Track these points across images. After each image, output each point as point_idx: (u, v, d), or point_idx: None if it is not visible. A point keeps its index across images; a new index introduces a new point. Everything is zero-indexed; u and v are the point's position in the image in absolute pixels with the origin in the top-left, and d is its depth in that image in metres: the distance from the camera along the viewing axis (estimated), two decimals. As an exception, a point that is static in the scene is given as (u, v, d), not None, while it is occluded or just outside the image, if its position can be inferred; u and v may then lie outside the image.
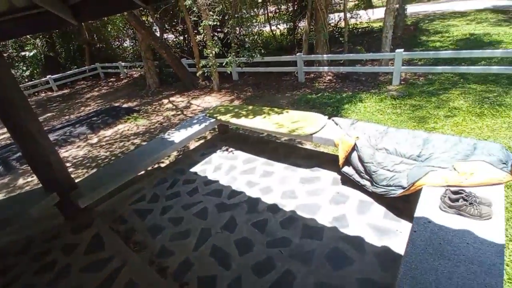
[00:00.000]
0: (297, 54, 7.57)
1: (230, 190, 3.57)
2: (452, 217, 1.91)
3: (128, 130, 6.85)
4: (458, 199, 1.96)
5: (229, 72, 7.46)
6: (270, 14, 10.39)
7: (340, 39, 9.16)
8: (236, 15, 6.75)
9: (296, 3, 9.33)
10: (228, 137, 5.23)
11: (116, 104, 9.28)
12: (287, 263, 2.41)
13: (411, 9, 12.55)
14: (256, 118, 4.23)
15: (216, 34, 7.04)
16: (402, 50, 6.23)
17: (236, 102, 7.24)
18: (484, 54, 6.08)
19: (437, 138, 2.75)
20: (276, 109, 4.50)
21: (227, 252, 2.65)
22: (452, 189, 2.09)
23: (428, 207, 2.03)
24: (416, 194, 2.31)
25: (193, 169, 4.28)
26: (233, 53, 6.99)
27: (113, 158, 5.41)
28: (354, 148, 2.93)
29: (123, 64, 12.95)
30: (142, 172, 4.34)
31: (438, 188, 2.20)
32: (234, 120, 4.37)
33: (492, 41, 8.61)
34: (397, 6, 7.57)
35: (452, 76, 6.47)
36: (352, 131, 3.11)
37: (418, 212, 1.99)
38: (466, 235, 1.75)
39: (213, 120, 4.69)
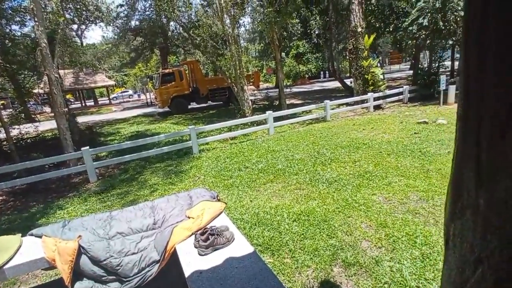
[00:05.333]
0: None
1: None
2: (212, 255, 1.93)
3: None
4: (208, 237, 2.03)
5: None
6: None
7: (5, 148, 7.38)
8: None
9: None
10: None
11: None
12: None
13: (79, 119, 13.17)
14: None
15: None
16: (88, 147, 6.11)
17: None
18: (153, 140, 7.64)
19: (160, 202, 2.80)
20: None
21: None
22: (198, 232, 2.15)
23: (191, 261, 1.92)
24: (174, 261, 2.14)
25: None
26: None
27: None
28: (80, 251, 2.25)
29: None
30: None
31: (188, 240, 2.17)
32: None
33: (154, 133, 10.96)
34: (67, 109, 7.47)
35: (139, 161, 7.32)
36: (67, 233, 2.39)
37: (187, 272, 1.83)
38: (231, 262, 1.83)
39: None
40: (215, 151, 7.55)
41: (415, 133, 7.04)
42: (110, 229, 2.42)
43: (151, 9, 20.63)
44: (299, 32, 27.53)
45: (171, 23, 21.42)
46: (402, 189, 4.14)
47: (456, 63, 18.56)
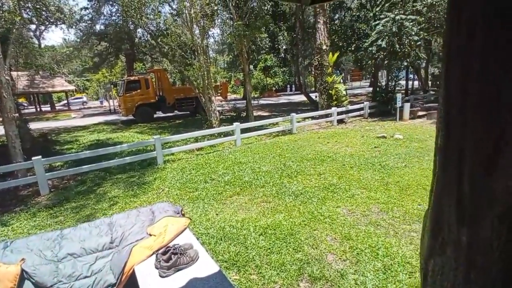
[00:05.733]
0: None
1: None
2: (175, 276, 1.82)
3: None
4: (170, 257, 1.92)
5: None
6: None
7: None
8: None
9: None
10: None
11: None
12: None
13: (33, 126, 12.08)
14: None
15: None
16: (40, 156, 5.63)
17: None
18: (115, 150, 7.23)
19: (119, 218, 2.62)
20: None
21: None
22: (160, 251, 2.03)
23: (151, 284, 1.79)
24: (132, 284, 1.99)
25: None
26: None
27: None
28: (23, 276, 2.01)
29: None
30: None
31: (148, 260, 2.04)
32: None
33: (116, 142, 10.39)
34: (17, 115, 6.85)
35: (99, 172, 6.87)
36: (9, 256, 2.13)
37: (144, 295, 1.70)
38: (195, 283, 1.73)
39: None
40: (180, 162, 7.33)
41: (375, 147, 7.43)
42: (59, 250, 2.21)
43: (118, 14, 19.94)
44: (268, 46, 28.20)
45: (139, 29, 20.81)
46: (365, 201, 4.30)
47: (410, 83, 20.11)
